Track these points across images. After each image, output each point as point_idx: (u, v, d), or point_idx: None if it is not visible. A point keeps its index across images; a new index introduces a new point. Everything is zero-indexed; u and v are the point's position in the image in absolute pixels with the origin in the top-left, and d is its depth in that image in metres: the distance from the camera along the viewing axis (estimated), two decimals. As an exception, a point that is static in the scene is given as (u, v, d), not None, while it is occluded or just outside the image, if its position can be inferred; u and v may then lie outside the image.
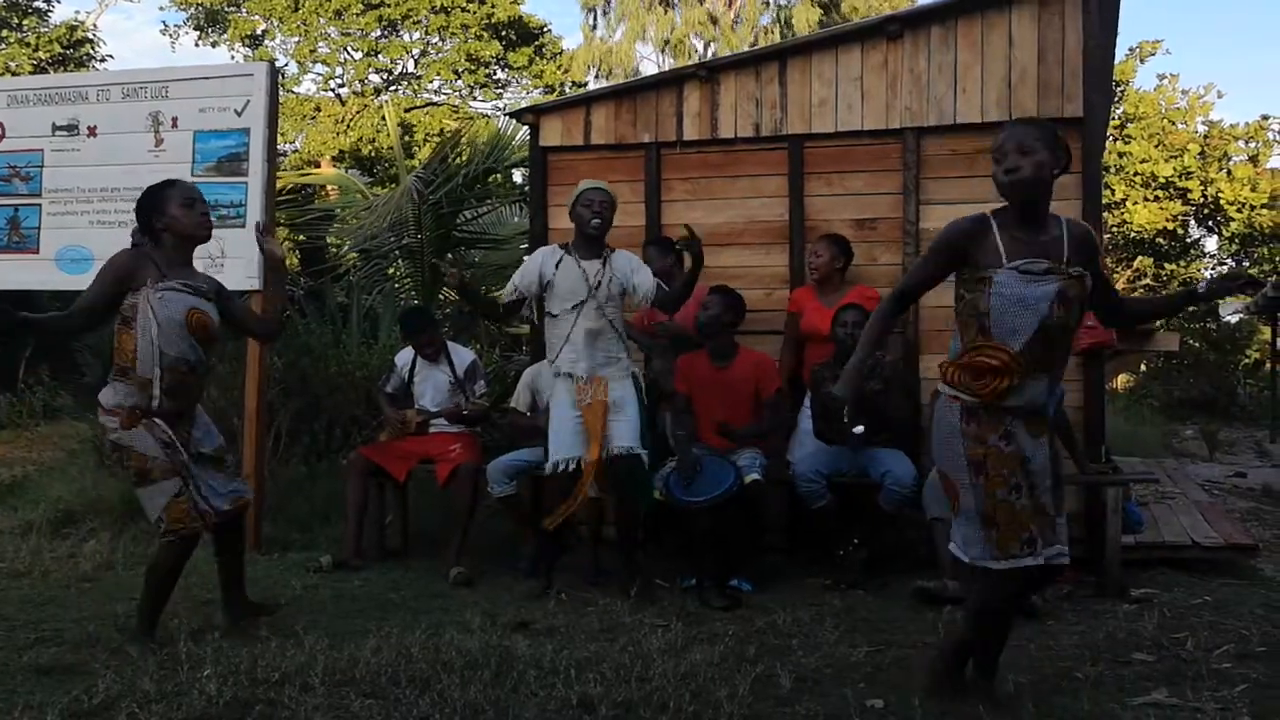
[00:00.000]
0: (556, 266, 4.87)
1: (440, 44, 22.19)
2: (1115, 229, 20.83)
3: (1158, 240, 21.07)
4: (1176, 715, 3.20)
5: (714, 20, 25.20)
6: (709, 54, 24.08)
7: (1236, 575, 5.22)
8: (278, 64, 20.06)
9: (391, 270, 10.25)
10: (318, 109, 21.56)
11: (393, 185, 14.52)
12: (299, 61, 21.96)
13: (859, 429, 5.03)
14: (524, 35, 22.22)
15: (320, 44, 21.72)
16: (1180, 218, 21.09)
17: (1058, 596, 4.70)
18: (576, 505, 4.79)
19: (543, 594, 4.82)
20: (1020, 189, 3.07)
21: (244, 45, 22.05)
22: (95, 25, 20.29)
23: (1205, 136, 22.71)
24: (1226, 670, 3.63)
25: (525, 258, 5.34)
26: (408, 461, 5.67)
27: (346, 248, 10.61)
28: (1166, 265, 21.71)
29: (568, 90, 21.35)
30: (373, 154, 19.63)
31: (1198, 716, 3.18)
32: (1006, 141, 3.09)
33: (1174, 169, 22.00)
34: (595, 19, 25.91)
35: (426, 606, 4.62)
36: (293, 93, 21.67)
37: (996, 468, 3.06)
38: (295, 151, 19.91)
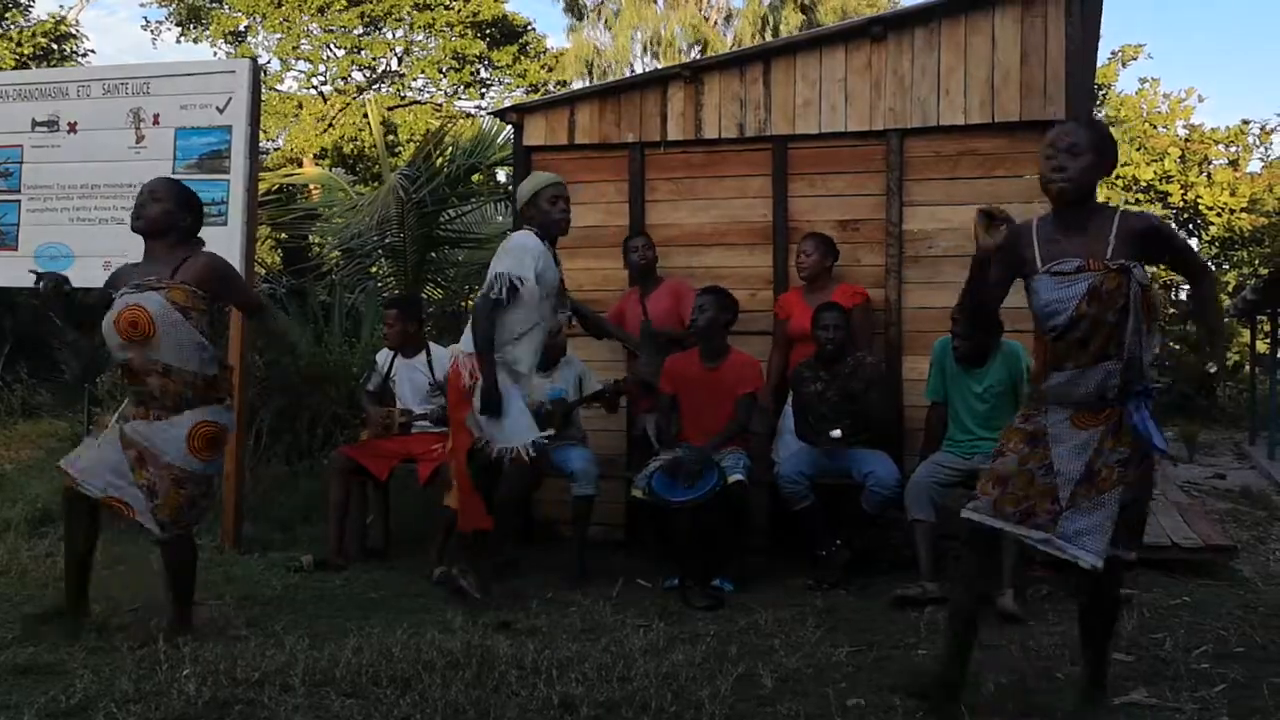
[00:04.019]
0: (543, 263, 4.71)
1: (424, 41, 22.15)
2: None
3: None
4: (1155, 715, 3.22)
5: (707, 19, 25.22)
6: (695, 55, 24.11)
7: (1215, 576, 5.25)
8: (260, 61, 19.98)
9: (374, 269, 10.22)
10: (300, 107, 21.46)
11: (375, 184, 14.49)
12: (281, 59, 21.87)
13: (836, 433, 5.07)
14: (508, 34, 22.17)
15: (302, 41, 21.62)
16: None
17: (1038, 597, 4.72)
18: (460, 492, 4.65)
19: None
20: (1064, 194, 3.04)
21: (226, 42, 21.93)
22: (77, 21, 20.16)
23: (1186, 140, 22.89)
24: (1205, 670, 3.65)
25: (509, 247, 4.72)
26: (389, 461, 5.65)
27: (329, 246, 10.58)
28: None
29: (552, 89, 21.32)
30: (355, 152, 19.55)
31: (1176, 716, 3.20)
32: (1058, 140, 3.04)
33: (1155, 173, 22.17)
34: (582, 17, 25.87)
35: (408, 606, 4.60)
36: (275, 90, 21.57)
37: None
38: (277, 149, 19.82)
